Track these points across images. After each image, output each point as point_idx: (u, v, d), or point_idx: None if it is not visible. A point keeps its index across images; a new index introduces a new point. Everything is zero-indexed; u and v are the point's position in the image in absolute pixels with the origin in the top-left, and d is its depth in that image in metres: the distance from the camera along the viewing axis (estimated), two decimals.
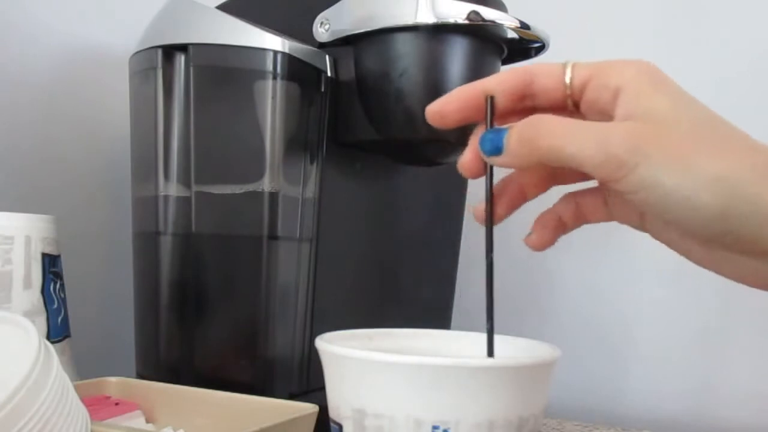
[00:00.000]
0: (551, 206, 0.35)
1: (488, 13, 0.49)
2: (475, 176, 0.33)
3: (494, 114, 0.32)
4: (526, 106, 0.32)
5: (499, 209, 0.34)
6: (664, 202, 0.27)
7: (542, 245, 0.34)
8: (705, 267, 0.30)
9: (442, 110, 0.33)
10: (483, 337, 0.38)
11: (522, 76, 0.32)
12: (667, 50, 0.74)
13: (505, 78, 0.32)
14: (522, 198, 0.34)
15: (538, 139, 0.29)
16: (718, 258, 0.29)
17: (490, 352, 0.33)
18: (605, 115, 0.30)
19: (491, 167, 0.32)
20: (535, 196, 0.35)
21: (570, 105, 0.32)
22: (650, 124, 0.28)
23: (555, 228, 0.35)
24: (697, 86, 0.76)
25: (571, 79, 0.31)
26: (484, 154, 0.31)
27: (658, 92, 0.29)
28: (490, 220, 0.33)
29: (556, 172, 0.34)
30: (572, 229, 0.35)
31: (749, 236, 0.26)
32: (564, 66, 0.31)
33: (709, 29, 0.72)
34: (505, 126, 0.31)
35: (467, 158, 0.33)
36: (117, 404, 0.47)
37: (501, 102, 0.32)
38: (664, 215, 0.28)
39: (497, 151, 0.31)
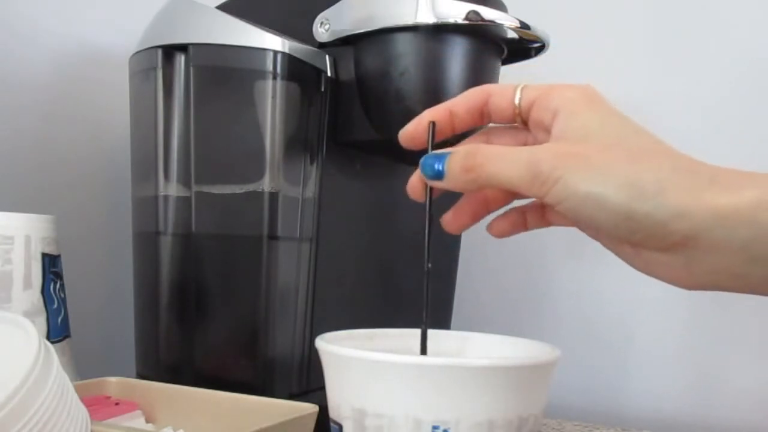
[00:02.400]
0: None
1: (488, 13, 0.49)
2: (421, 198, 0.36)
3: (434, 139, 0.35)
4: (484, 122, 0.37)
5: (464, 219, 0.38)
6: (582, 207, 0.30)
7: (459, 228, 0.38)
8: (635, 267, 0.33)
9: (413, 133, 0.36)
10: (483, 337, 0.38)
11: (480, 95, 0.36)
12: (667, 50, 0.74)
13: (468, 99, 0.36)
14: (485, 209, 0.38)
15: (478, 168, 0.32)
16: (645, 258, 0.32)
17: (424, 351, 0.35)
18: (546, 132, 0.34)
19: (430, 188, 0.36)
20: (497, 208, 0.38)
21: (519, 122, 0.36)
22: (577, 141, 0.32)
23: (514, 224, 0.39)
24: (697, 86, 0.77)
25: (520, 100, 0.35)
26: (426, 177, 0.35)
27: (589, 112, 0.32)
28: (428, 237, 0.36)
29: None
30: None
31: (656, 232, 0.29)
32: (515, 88, 0.35)
33: (708, 29, 0.72)
34: (445, 151, 0.34)
35: (414, 181, 0.36)
36: (117, 404, 0.47)
37: (464, 118, 0.36)
38: (584, 220, 0.31)
39: (439, 175, 0.34)
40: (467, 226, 0.38)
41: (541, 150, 0.32)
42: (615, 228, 0.30)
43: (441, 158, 0.34)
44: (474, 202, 0.38)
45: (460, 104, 0.36)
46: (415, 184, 0.36)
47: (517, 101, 0.35)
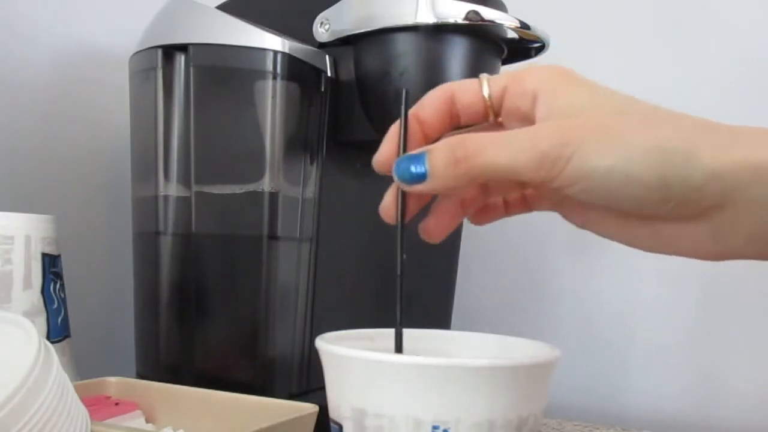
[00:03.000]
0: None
1: (488, 13, 0.49)
2: (395, 221, 0.33)
3: (407, 134, 0.32)
4: (453, 123, 0.33)
5: (443, 226, 0.35)
6: (603, 185, 0.27)
7: (440, 235, 0.35)
8: (648, 248, 0.30)
9: (387, 155, 0.33)
10: (483, 337, 0.38)
11: (444, 94, 0.33)
12: (667, 50, 0.74)
13: (431, 103, 0.33)
14: (462, 212, 0.35)
15: (470, 158, 0.29)
16: (663, 234, 0.29)
17: (399, 349, 0.33)
18: (527, 121, 0.31)
19: (403, 192, 0.32)
20: (474, 208, 0.35)
21: (492, 118, 0.32)
22: (573, 117, 0.28)
23: (495, 209, 0.35)
24: (697, 86, 0.77)
25: (489, 91, 0.32)
26: (404, 182, 0.30)
27: (573, 87, 0.29)
28: (401, 247, 0.33)
29: (488, 186, 0.35)
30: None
31: (690, 198, 0.27)
32: (480, 80, 0.32)
33: (708, 29, 0.72)
34: (421, 150, 0.30)
35: (388, 203, 0.33)
36: (117, 404, 0.47)
37: (433, 124, 0.33)
38: (606, 199, 0.28)
39: (420, 177, 0.30)
40: (447, 233, 0.35)
41: (542, 127, 0.28)
42: (642, 202, 0.27)
43: (419, 158, 0.30)
44: (449, 205, 0.35)
45: (425, 108, 0.33)
46: (390, 206, 0.33)
47: (486, 93, 0.32)
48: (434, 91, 0.33)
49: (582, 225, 0.32)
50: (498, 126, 0.33)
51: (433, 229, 0.35)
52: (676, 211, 0.28)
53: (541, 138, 0.28)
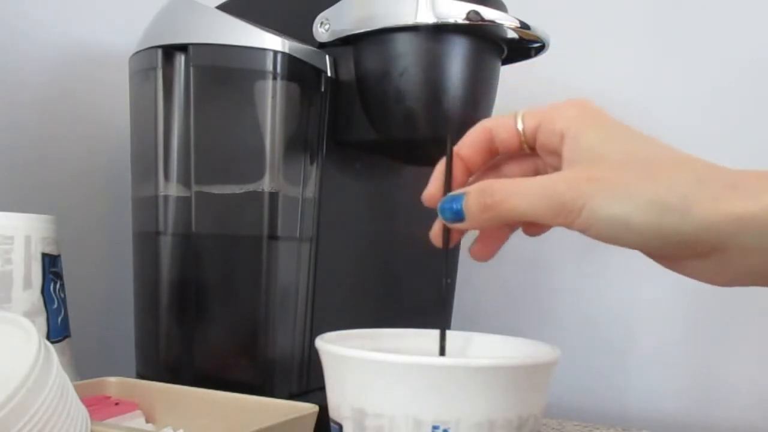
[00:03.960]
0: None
1: (488, 13, 0.49)
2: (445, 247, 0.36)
3: (452, 167, 0.36)
4: (493, 156, 0.37)
5: (491, 246, 0.38)
6: (609, 231, 0.30)
7: (488, 256, 0.38)
8: (670, 269, 0.33)
9: (429, 197, 0.36)
10: (483, 337, 0.38)
11: (482, 133, 0.36)
12: (667, 50, 0.74)
13: (471, 140, 0.36)
14: (509, 231, 0.38)
15: (497, 205, 0.32)
16: (678, 263, 0.32)
17: (442, 352, 0.36)
18: (557, 155, 0.34)
19: (447, 232, 0.36)
20: (519, 227, 0.38)
21: (527, 149, 0.36)
22: (591, 163, 0.32)
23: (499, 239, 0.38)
24: (697, 86, 0.77)
25: (524, 128, 0.35)
26: (447, 221, 0.35)
27: (593, 131, 0.32)
28: (447, 270, 0.37)
29: None
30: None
31: (686, 245, 0.30)
32: (515, 116, 0.35)
33: (708, 29, 0.72)
34: (461, 191, 0.34)
35: (437, 229, 0.36)
36: (117, 404, 0.47)
37: (475, 160, 0.36)
38: (615, 242, 0.31)
39: (459, 217, 0.34)
40: (495, 252, 0.38)
41: (559, 179, 0.32)
42: (644, 246, 0.31)
43: (458, 199, 0.34)
44: (496, 229, 0.37)
45: (465, 147, 0.36)
46: (438, 233, 0.37)
47: (520, 128, 0.35)
48: (473, 130, 0.36)
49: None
50: (534, 155, 0.36)
51: (479, 253, 0.38)
52: (676, 254, 0.31)
53: (556, 189, 0.31)
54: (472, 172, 0.37)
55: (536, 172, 0.37)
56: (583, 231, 0.31)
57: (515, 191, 0.32)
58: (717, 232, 0.29)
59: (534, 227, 0.38)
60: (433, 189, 0.36)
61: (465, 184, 0.36)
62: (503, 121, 0.36)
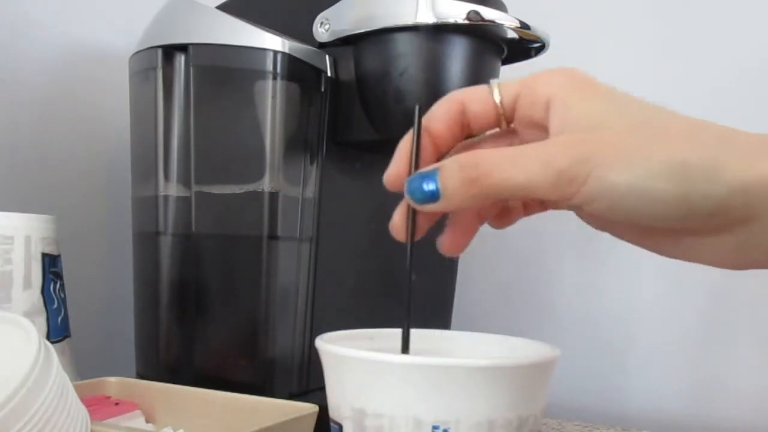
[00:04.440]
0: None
1: (488, 13, 0.49)
2: (405, 238, 0.32)
3: (420, 146, 0.31)
4: (464, 134, 0.32)
5: (462, 238, 0.34)
6: (623, 202, 0.26)
7: (459, 249, 0.34)
8: (671, 256, 0.30)
9: (392, 178, 0.32)
10: (483, 337, 0.38)
11: (454, 105, 0.31)
12: (668, 50, 0.74)
13: (441, 114, 0.31)
14: (479, 221, 0.34)
15: (483, 177, 0.27)
16: (686, 244, 0.28)
17: (405, 349, 0.33)
18: (540, 129, 0.30)
19: (413, 210, 0.31)
20: (490, 217, 0.34)
21: (504, 125, 0.31)
22: (588, 130, 0.27)
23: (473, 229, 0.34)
24: (695, 85, 0.77)
25: (501, 98, 0.31)
26: (416, 201, 0.29)
27: (587, 96, 0.28)
28: (410, 266, 0.33)
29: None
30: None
31: (713, 214, 0.26)
32: (490, 87, 0.31)
33: (709, 29, 0.72)
34: (433, 167, 0.29)
35: (397, 220, 0.32)
36: (117, 404, 0.47)
37: (444, 136, 0.32)
38: (627, 215, 0.27)
39: (433, 196, 0.29)
40: (466, 245, 0.34)
41: (557, 144, 0.27)
42: (664, 218, 0.26)
43: (431, 176, 0.29)
44: (465, 217, 0.33)
45: (435, 121, 0.31)
46: (400, 224, 0.32)
47: (497, 99, 0.30)
48: (443, 102, 0.32)
49: (599, 229, 0.31)
50: (511, 133, 0.32)
51: (450, 245, 0.34)
52: (699, 226, 0.27)
53: (556, 155, 0.27)
54: (441, 150, 0.32)
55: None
56: (587, 204, 0.27)
57: (504, 161, 0.27)
58: (753, 194, 0.25)
59: (503, 218, 0.34)
60: (396, 169, 0.31)
61: (433, 163, 0.30)
62: (477, 93, 0.31)
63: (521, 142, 0.31)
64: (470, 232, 0.33)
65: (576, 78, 0.29)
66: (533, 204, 0.34)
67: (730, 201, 0.25)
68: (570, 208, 0.29)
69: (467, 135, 0.32)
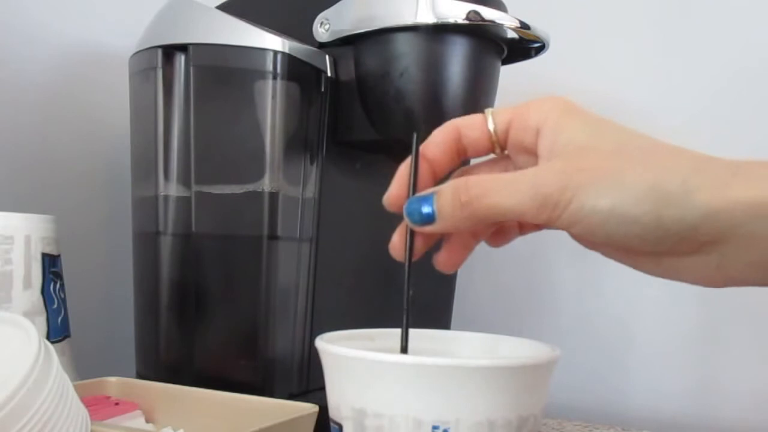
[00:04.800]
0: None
1: (488, 13, 0.49)
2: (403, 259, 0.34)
3: (416, 178, 0.33)
4: (460, 159, 0.34)
5: (457, 256, 0.35)
6: (604, 225, 0.28)
7: (454, 266, 0.35)
8: (654, 274, 0.31)
9: (392, 200, 0.33)
10: (483, 337, 0.38)
11: (450, 132, 0.33)
12: (668, 49, 0.74)
13: (439, 140, 0.33)
14: (474, 240, 0.35)
15: (475, 201, 0.30)
16: (667, 264, 0.30)
17: (404, 349, 0.34)
18: (531, 154, 0.32)
19: (411, 231, 0.33)
20: (486, 236, 0.36)
21: (498, 151, 0.33)
22: (572, 156, 0.29)
23: (466, 247, 0.35)
24: (697, 85, 0.77)
25: (495, 126, 0.33)
26: (414, 223, 0.32)
27: (572, 124, 0.30)
28: (408, 283, 0.34)
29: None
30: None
31: (687, 236, 0.28)
32: (485, 115, 0.33)
33: (709, 29, 0.72)
34: (430, 191, 0.31)
35: (396, 242, 0.34)
36: (117, 404, 0.47)
37: (441, 162, 0.34)
38: (606, 238, 0.29)
39: (429, 218, 0.31)
40: (462, 262, 0.36)
41: (542, 171, 0.29)
42: (640, 240, 0.28)
43: (427, 199, 0.31)
44: (461, 237, 0.35)
45: (432, 147, 0.33)
46: (398, 244, 0.34)
47: (491, 127, 0.33)
48: (440, 130, 0.34)
49: (589, 248, 0.33)
50: (504, 158, 0.34)
51: (446, 262, 0.36)
52: (675, 248, 0.28)
53: (542, 182, 0.29)
54: (437, 174, 0.34)
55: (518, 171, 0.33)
56: (570, 227, 0.29)
57: (495, 186, 0.30)
58: (722, 220, 0.27)
59: (499, 237, 0.36)
60: (396, 191, 0.33)
61: (430, 186, 0.33)
62: (473, 121, 0.33)
63: (515, 168, 0.33)
64: (466, 250, 0.35)
65: (564, 106, 0.31)
66: (528, 225, 0.36)
67: (701, 225, 0.27)
68: (558, 229, 0.30)
69: (463, 160, 0.34)
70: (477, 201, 0.30)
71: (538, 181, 0.29)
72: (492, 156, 0.35)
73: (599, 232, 0.28)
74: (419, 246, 0.34)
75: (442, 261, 0.35)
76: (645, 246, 0.29)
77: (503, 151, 0.33)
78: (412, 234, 0.33)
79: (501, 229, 0.36)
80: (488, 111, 0.33)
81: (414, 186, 0.33)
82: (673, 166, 0.28)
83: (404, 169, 0.33)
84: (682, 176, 0.27)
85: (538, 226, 0.35)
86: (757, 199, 0.26)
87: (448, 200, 0.31)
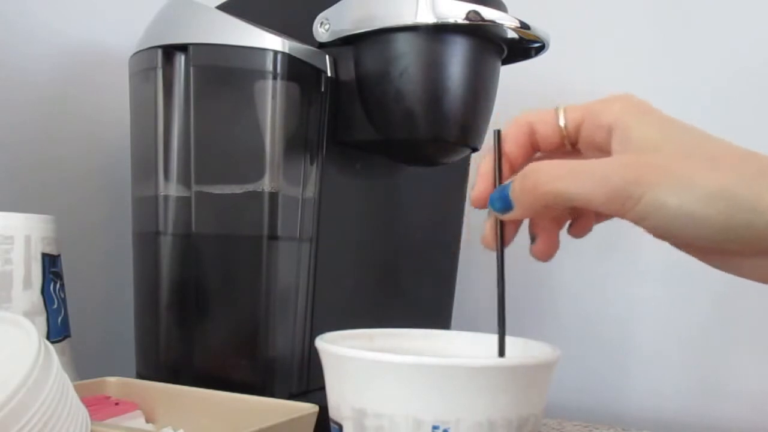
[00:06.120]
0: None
1: (488, 13, 0.49)
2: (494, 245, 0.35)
3: (501, 157, 0.34)
4: (534, 152, 0.35)
5: (548, 244, 0.36)
6: (671, 223, 0.29)
7: (548, 254, 0.36)
8: (723, 270, 0.32)
9: (478, 197, 0.35)
10: (483, 337, 0.38)
11: (524, 127, 0.35)
12: (667, 49, 0.74)
13: (513, 135, 0.35)
14: (558, 226, 0.36)
15: (540, 186, 0.31)
16: (734, 263, 0.31)
17: (501, 353, 0.35)
18: (603, 151, 0.32)
19: (501, 222, 0.34)
20: (567, 221, 0.37)
21: (568, 146, 0.35)
22: (645, 153, 0.30)
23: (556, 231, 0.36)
24: (697, 85, 0.77)
25: (566, 123, 0.34)
26: (497, 213, 0.33)
27: (645, 123, 0.31)
28: (501, 274, 0.36)
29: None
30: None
31: (752, 240, 0.28)
32: (556, 111, 0.34)
33: (709, 29, 0.72)
34: (507, 182, 0.33)
35: (488, 233, 0.35)
36: (117, 404, 0.47)
37: (517, 155, 0.35)
38: (673, 235, 0.30)
39: (508, 206, 0.33)
40: (554, 251, 0.36)
41: (615, 163, 0.30)
42: (708, 241, 0.29)
43: (505, 189, 0.33)
44: (545, 225, 0.36)
45: (507, 142, 0.35)
46: (489, 235, 0.35)
47: (562, 123, 0.34)
48: (514, 125, 0.35)
49: (658, 238, 0.33)
50: (576, 152, 0.35)
51: (540, 250, 0.36)
52: (741, 250, 0.29)
53: (613, 173, 0.29)
54: (515, 168, 0.35)
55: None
56: (639, 221, 0.29)
57: (561, 172, 0.30)
58: None
59: (580, 226, 0.36)
60: (480, 189, 0.35)
61: (508, 179, 0.34)
62: (544, 116, 0.34)
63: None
64: (553, 239, 0.36)
65: (635, 104, 0.32)
66: (602, 214, 0.36)
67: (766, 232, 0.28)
68: (629, 221, 0.31)
69: (537, 151, 0.36)
70: (543, 186, 0.31)
71: (609, 172, 0.29)
72: (563, 151, 0.35)
73: (669, 228, 0.29)
74: (508, 235, 0.35)
75: (536, 251, 0.36)
76: (714, 245, 0.29)
77: (574, 147, 0.34)
78: (501, 224, 0.34)
79: (579, 218, 0.37)
80: (561, 107, 0.34)
81: (498, 179, 0.34)
82: (743, 172, 0.28)
83: (484, 168, 0.35)
84: (751, 183, 0.28)
85: (609, 216, 0.35)
86: None
87: (518, 186, 0.32)
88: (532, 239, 0.36)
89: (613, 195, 0.29)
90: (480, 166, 0.35)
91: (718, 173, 0.28)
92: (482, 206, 0.35)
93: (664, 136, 0.30)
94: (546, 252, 0.36)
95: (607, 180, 0.29)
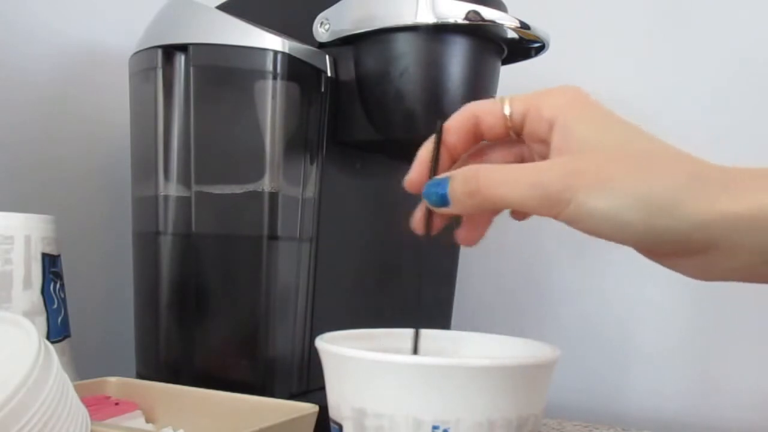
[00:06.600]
0: None
1: (488, 13, 0.49)
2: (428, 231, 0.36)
3: (439, 152, 0.35)
4: (477, 142, 0.36)
5: (477, 230, 0.37)
6: (599, 225, 0.30)
7: (474, 241, 0.37)
8: (659, 263, 0.32)
9: (412, 182, 0.35)
10: (483, 337, 0.38)
11: (468, 117, 0.35)
12: (667, 49, 0.74)
13: (456, 125, 0.35)
14: (493, 213, 0.36)
15: (481, 191, 0.32)
16: (665, 260, 0.31)
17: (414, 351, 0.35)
18: (544, 143, 0.33)
19: (429, 218, 0.35)
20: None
21: (513, 136, 0.35)
22: (578, 155, 0.31)
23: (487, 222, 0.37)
24: (697, 84, 0.77)
25: (511, 113, 0.34)
26: (432, 205, 0.34)
27: (584, 120, 0.31)
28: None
29: None
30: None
31: (677, 243, 0.29)
32: (502, 101, 0.34)
33: (707, 28, 0.72)
34: (444, 175, 0.33)
35: (419, 216, 0.36)
36: (117, 404, 0.47)
37: (458, 146, 0.35)
38: (604, 237, 0.30)
39: (444, 201, 0.33)
40: (482, 236, 0.37)
41: (546, 169, 0.31)
42: (635, 243, 0.30)
43: (442, 183, 0.33)
44: (479, 214, 0.37)
45: (450, 132, 0.35)
46: (420, 220, 0.36)
47: (507, 114, 0.34)
48: (458, 115, 0.35)
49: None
50: (520, 141, 0.35)
51: (466, 237, 0.37)
52: (670, 252, 0.30)
53: (545, 180, 0.30)
54: (455, 157, 0.36)
55: (521, 160, 0.36)
56: (571, 224, 0.31)
57: (501, 179, 0.31)
58: (709, 231, 0.28)
59: (519, 213, 0.37)
60: (416, 174, 0.35)
61: (448, 169, 0.35)
62: (490, 106, 0.35)
63: (529, 152, 0.35)
64: (483, 226, 0.37)
65: (577, 99, 0.32)
66: None
67: (691, 235, 0.29)
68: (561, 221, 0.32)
69: (479, 141, 0.36)
70: (485, 191, 0.31)
71: (540, 178, 0.30)
72: (508, 141, 0.36)
73: (598, 231, 0.30)
74: (437, 223, 0.36)
75: (462, 236, 0.37)
76: (641, 247, 0.31)
77: (519, 136, 0.35)
78: (429, 212, 0.35)
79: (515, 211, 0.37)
80: (506, 98, 0.34)
81: (434, 170, 0.35)
82: (666, 176, 0.29)
83: (423, 152, 0.35)
84: (673, 188, 0.29)
85: None
86: (739, 215, 0.28)
87: (458, 188, 0.32)
88: (457, 223, 0.37)
89: (545, 200, 0.30)
90: (420, 152, 0.35)
91: (645, 178, 0.29)
92: (416, 191, 0.35)
93: (598, 135, 0.31)
94: (470, 239, 0.37)
95: (538, 186, 0.30)
